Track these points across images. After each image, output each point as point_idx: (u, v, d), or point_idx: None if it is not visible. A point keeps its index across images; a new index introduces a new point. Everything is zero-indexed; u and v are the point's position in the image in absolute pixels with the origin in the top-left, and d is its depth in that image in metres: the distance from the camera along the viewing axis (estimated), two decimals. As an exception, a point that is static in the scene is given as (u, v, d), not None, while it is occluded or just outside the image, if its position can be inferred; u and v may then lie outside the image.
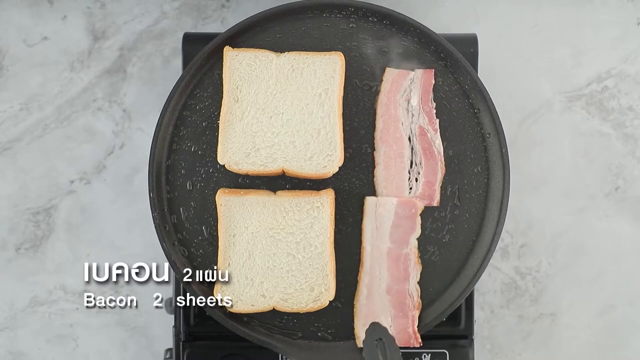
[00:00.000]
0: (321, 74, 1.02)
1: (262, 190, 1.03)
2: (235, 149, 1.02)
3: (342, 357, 1.03)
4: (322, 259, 1.02)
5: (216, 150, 1.02)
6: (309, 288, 1.02)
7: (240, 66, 1.03)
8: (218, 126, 1.03)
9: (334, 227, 1.02)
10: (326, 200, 1.02)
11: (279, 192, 1.03)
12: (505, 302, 1.20)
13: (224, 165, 1.02)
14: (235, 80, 1.02)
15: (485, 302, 1.20)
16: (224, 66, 1.02)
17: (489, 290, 1.20)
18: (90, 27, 1.19)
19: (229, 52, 1.02)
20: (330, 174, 1.01)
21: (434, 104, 1.04)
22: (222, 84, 1.02)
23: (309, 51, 1.04)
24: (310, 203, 1.02)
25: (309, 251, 1.02)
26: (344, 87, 1.03)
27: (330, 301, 1.01)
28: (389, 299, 1.03)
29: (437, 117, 1.04)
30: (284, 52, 1.03)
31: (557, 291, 1.20)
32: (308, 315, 1.03)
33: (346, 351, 1.03)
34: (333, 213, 1.02)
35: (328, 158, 1.01)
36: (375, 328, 1.00)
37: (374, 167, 1.04)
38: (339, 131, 1.01)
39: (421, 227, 1.03)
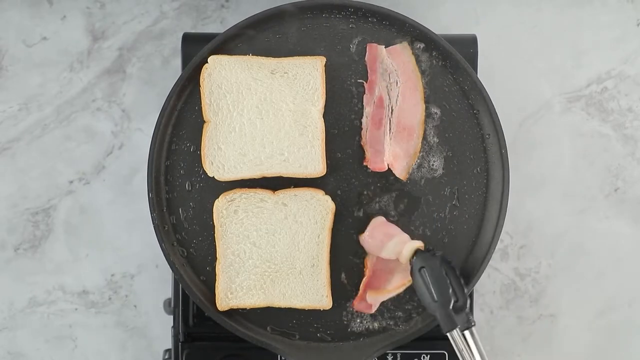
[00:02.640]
0: (303, 78, 1.02)
1: (261, 189, 1.03)
2: (223, 160, 1.01)
3: (341, 358, 1.03)
4: (320, 259, 1.02)
5: (215, 151, 1.02)
6: (307, 287, 1.02)
7: (221, 74, 1.01)
8: (217, 126, 1.03)
9: (331, 228, 1.02)
10: (326, 200, 1.02)
11: (278, 191, 1.03)
12: (505, 303, 1.20)
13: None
14: (218, 89, 1.01)
15: (484, 303, 1.20)
16: (204, 75, 1.01)
17: (489, 292, 1.20)
18: (90, 27, 1.19)
19: (211, 60, 1.01)
20: (319, 175, 1.01)
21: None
22: (201, 94, 1.01)
23: (309, 52, 1.03)
24: (309, 203, 1.02)
25: (308, 251, 1.02)
26: (344, 88, 1.03)
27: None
28: None
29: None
30: (272, 55, 1.02)
31: (557, 292, 1.20)
32: (307, 315, 1.03)
33: (345, 352, 1.03)
34: (333, 213, 1.02)
35: (312, 161, 1.01)
36: (418, 257, 0.98)
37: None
38: (321, 134, 1.01)
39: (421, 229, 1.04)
